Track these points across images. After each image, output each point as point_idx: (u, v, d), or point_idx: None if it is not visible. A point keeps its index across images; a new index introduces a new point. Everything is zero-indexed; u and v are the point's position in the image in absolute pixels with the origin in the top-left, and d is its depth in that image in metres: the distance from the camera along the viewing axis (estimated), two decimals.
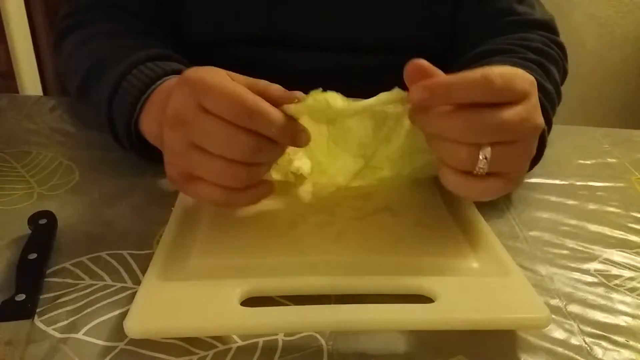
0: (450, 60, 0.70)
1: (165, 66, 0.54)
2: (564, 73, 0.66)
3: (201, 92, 0.40)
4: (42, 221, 0.47)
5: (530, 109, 0.41)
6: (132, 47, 0.56)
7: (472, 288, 0.40)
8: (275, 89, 0.43)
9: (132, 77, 0.53)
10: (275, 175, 0.49)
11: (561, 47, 0.66)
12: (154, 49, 0.56)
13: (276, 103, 0.42)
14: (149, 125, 0.52)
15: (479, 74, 0.39)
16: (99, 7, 0.66)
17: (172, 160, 0.43)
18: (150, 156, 0.54)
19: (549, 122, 0.53)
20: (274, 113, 0.41)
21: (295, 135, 0.42)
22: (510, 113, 0.39)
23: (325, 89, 0.65)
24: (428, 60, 0.70)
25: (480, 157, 0.39)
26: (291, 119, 0.42)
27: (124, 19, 0.64)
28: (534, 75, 0.56)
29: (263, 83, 0.43)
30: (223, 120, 0.40)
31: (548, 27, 0.67)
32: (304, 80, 0.66)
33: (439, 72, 0.41)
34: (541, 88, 0.55)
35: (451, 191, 0.42)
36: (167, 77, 0.52)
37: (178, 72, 0.53)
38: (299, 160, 0.49)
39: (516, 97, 0.40)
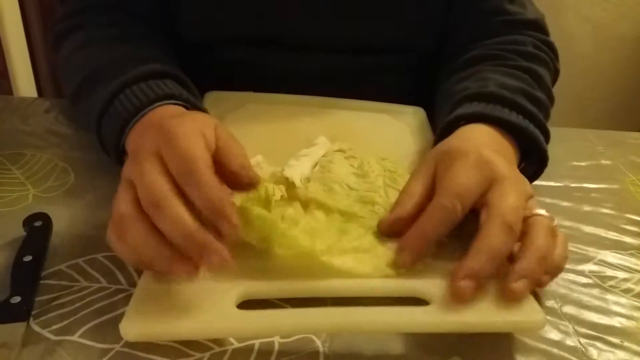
0: (442, 61, 0.70)
1: (157, 89, 0.52)
2: (555, 73, 0.66)
3: (165, 141, 0.38)
4: (37, 223, 0.47)
5: (510, 179, 0.42)
6: (128, 60, 0.55)
7: None
8: (237, 163, 0.40)
9: (124, 97, 0.51)
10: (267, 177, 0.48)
11: (551, 47, 0.66)
12: (150, 64, 0.54)
13: (236, 177, 0.40)
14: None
15: (437, 213, 0.41)
16: (97, 7, 0.65)
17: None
18: None
19: (544, 130, 0.54)
20: (210, 186, 0.37)
21: (225, 220, 0.37)
22: (508, 200, 0.41)
23: (321, 90, 0.65)
24: (420, 60, 0.69)
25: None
26: (231, 207, 0.37)
27: (123, 20, 0.64)
28: (521, 86, 0.56)
29: (237, 150, 0.41)
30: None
31: (538, 27, 0.67)
32: (299, 81, 0.67)
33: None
34: (532, 99, 0.55)
35: None
36: (160, 103, 0.51)
37: (171, 96, 0.51)
38: (288, 168, 0.49)
39: (486, 187, 0.42)
